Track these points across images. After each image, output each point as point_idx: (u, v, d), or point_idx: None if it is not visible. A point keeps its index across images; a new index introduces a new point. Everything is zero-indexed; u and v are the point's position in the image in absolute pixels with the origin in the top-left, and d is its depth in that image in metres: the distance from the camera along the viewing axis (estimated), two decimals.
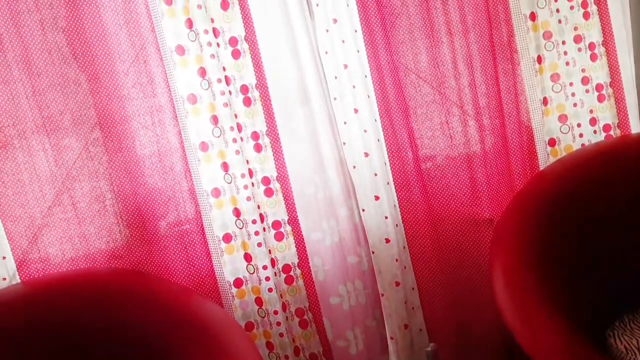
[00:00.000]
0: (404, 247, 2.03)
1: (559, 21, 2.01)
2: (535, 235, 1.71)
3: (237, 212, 1.81)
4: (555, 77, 2.05)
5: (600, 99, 2.05)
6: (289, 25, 1.90)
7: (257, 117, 1.85)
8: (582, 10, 2.01)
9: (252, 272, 1.85)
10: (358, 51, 1.90)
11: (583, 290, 1.68)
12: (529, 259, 1.64)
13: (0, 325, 1.57)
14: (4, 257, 1.68)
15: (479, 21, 1.95)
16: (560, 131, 2.07)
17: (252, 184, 1.84)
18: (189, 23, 1.71)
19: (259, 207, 1.86)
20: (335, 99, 1.91)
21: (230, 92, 1.80)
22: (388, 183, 1.99)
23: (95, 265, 1.75)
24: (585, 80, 2.05)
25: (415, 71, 1.98)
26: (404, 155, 1.99)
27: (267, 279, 1.86)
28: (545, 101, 2.06)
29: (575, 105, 2.06)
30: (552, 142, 2.08)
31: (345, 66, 1.89)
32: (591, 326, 1.63)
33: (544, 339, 1.43)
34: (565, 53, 2.03)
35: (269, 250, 1.88)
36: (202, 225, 1.82)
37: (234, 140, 1.80)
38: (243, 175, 1.82)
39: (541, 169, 2.05)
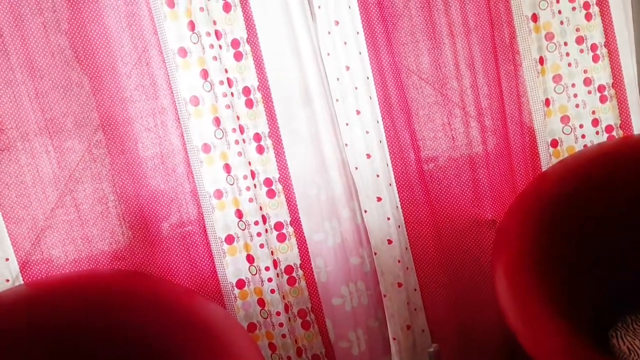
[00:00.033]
0: (406, 248, 2.03)
1: (561, 22, 2.01)
2: (537, 237, 1.71)
3: (239, 214, 1.81)
4: (557, 78, 2.05)
5: (603, 100, 2.05)
6: (291, 27, 1.90)
7: (260, 118, 1.86)
8: (584, 12, 2.01)
9: (254, 273, 1.85)
10: (360, 53, 1.91)
11: (584, 289, 1.68)
12: (531, 260, 1.64)
13: (4, 327, 1.58)
14: (7, 259, 1.68)
15: (481, 22, 1.95)
16: (563, 132, 2.07)
17: (255, 185, 1.85)
18: (191, 25, 1.71)
19: (261, 208, 1.86)
20: (337, 100, 1.92)
21: (232, 94, 1.80)
22: (390, 184, 1.99)
23: (98, 267, 1.76)
24: (587, 81, 2.05)
25: (417, 72, 1.98)
26: (406, 157, 2.00)
27: (270, 280, 1.87)
28: (547, 102, 2.05)
29: (577, 106, 2.06)
30: (554, 143, 2.08)
31: (347, 68, 1.90)
32: (593, 326, 1.63)
33: (546, 340, 1.44)
34: (568, 54, 2.03)
35: (272, 252, 1.88)
36: (204, 226, 1.83)
37: (236, 142, 1.80)
38: (245, 177, 1.82)
39: (543, 170, 2.05)
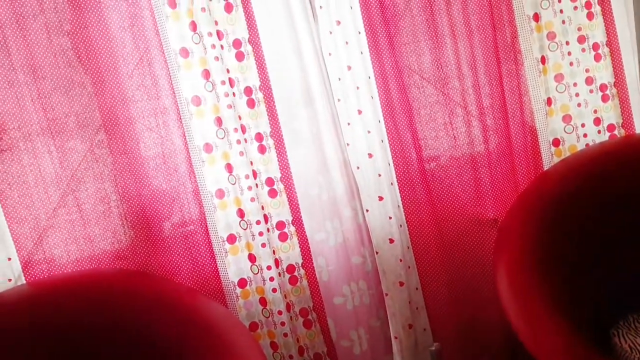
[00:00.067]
0: (408, 247, 2.03)
1: (563, 22, 2.01)
2: (539, 236, 1.71)
3: (241, 213, 1.82)
4: (559, 78, 2.05)
5: (605, 99, 2.05)
6: (293, 27, 1.90)
7: (261, 118, 1.86)
8: (585, 11, 2.01)
9: (256, 272, 1.85)
10: (362, 53, 1.91)
11: (585, 288, 1.68)
12: (532, 259, 1.65)
13: (6, 326, 1.59)
14: (10, 259, 1.69)
15: (483, 22, 1.95)
16: (564, 131, 2.07)
17: (256, 185, 1.85)
18: (193, 26, 1.72)
19: (263, 207, 1.87)
20: (339, 100, 1.92)
21: (234, 94, 1.81)
22: (392, 183, 1.99)
23: (100, 266, 1.76)
24: (589, 81, 2.05)
25: (419, 72, 1.99)
26: (407, 156, 2.00)
27: (272, 279, 1.87)
28: (549, 101, 2.05)
29: (579, 105, 2.06)
30: (556, 142, 2.08)
31: (349, 67, 1.90)
32: (594, 325, 1.64)
33: (547, 339, 1.44)
34: (569, 53, 2.03)
35: (273, 251, 1.89)
36: (206, 226, 1.83)
37: (238, 142, 1.80)
38: (247, 177, 1.82)
39: (545, 169, 2.05)
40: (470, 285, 2.09)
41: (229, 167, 1.80)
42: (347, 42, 1.89)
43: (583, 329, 1.50)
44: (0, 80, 1.63)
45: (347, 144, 1.95)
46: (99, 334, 1.63)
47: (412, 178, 2.01)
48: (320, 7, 1.87)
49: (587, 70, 2.04)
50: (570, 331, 1.44)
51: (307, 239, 1.96)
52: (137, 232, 1.79)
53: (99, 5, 1.68)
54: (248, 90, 1.84)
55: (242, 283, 1.85)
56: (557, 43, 2.03)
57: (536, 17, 2.01)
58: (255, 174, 1.85)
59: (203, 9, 1.73)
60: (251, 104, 1.84)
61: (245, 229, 1.83)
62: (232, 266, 1.84)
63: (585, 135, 2.07)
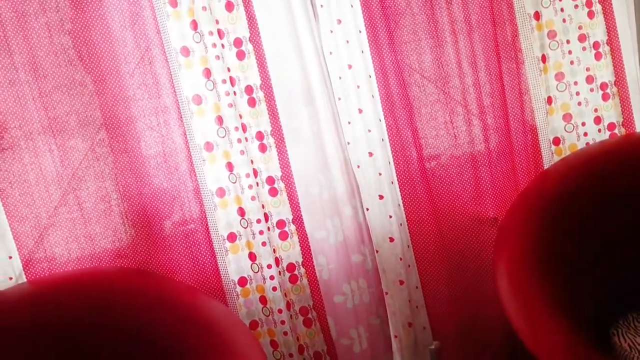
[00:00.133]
0: (408, 246, 2.03)
1: (564, 20, 2.01)
2: (539, 235, 1.71)
3: (241, 212, 1.82)
4: (559, 76, 2.05)
5: (605, 97, 2.05)
6: (293, 26, 1.90)
7: (262, 117, 1.86)
8: (586, 9, 2.01)
9: (256, 271, 1.86)
10: (362, 51, 1.91)
11: (585, 287, 1.68)
12: (533, 258, 1.65)
13: (7, 325, 1.59)
14: (10, 257, 1.69)
15: (483, 20, 1.95)
16: (565, 130, 2.07)
17: (257, 183, 1.85)
18: (194, 24, 1.72)
19: (263, 206, 1.87)
20: (339, 99, 1.92)
21: (235, 93, 1.81)
22: (392, 182, 1.99)
23: (100, 265, 1.77)
24: (589, 79, 2.05)
25: (420, 71, 1.99)
26: (408, 155, 2.00)
27: (272, 277, 1.87)
28: (549, 100, 2.05)
29: (579, 104, 2.06)
30: (556, 141, 2.08)
31: (350, 66, 1.90)
32: (594, 324, 1.64)
33: (547, 338, 1.44)
34: (570, 52, 2.03)
35: (274, 249, 1.89)
36: (207, 224, 1.84)
37: (239, 141, 1.81)
38: (248, 175, 1.83)
39: (545, 167, 2.05)
40: (470, 284, 2.09)
41: (230, 166, 1.80)
42: (347, 41, 1.89)
43: (583, 328, 1.50)
44: (1, 79, 1.63)
45: (348, 143, 1.95)
46: (100, 332, 1.64)
47: (412, 177, 2.01)
48: (321, 6, 1.87)
49: (587, 69, 2.04)
50: (571, 330, 1.44)
51: (307, 238, 1.96)
52: (138, 231, 1.79)
53: (100, 4, 1.68)
54: (249, 89, 1.84)
55: (243, 281, 1.85)
56: (557, 42, 2.03)
57: (537, 15, 2.01)
58: (255, 173, 1.85)
59: (204, 8, 1.73)
60: (252, 102, 1.84)
61: (245, 228, 1.83)
62: (233, 265, 1.84)
63: (585, 134, 2.07)
